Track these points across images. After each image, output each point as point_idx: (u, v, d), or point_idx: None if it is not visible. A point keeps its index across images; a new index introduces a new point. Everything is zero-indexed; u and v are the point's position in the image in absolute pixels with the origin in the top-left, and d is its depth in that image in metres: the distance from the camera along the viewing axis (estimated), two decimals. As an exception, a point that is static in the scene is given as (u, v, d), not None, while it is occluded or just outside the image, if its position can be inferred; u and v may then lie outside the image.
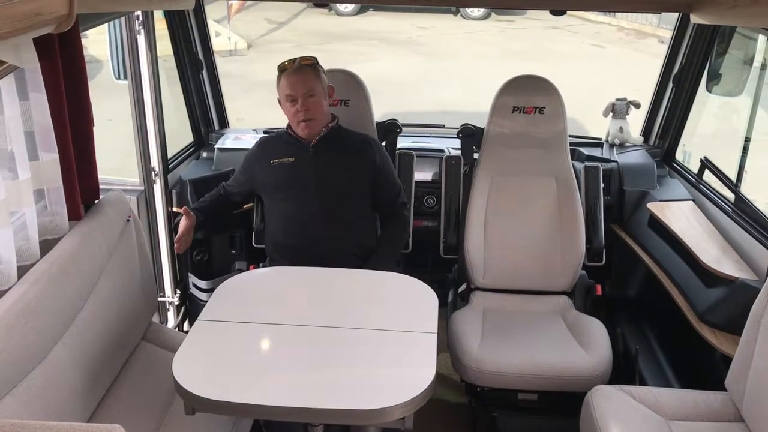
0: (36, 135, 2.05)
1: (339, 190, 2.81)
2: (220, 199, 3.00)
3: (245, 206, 3.15)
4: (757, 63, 3.27)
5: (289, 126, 2.89)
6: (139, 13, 2.77)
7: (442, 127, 3.87)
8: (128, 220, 2.45)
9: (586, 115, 5.50)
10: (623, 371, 2.90)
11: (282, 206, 2.84)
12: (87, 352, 2.08)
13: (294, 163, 2.82)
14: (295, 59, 2.79)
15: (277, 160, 2.84)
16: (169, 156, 3.26)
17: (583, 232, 3.03)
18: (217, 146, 3.53)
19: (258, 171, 2.90)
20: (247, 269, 3.19)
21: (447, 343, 2.75)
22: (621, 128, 3.66)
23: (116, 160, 3.58)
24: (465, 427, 3.00)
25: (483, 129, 3.18)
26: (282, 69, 2.79)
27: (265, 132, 3.54)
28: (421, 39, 12.11)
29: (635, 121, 3.74)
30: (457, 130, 3.33)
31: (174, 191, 3.22)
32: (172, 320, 3.30)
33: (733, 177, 3.00)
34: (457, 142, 3.35)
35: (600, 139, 3.76)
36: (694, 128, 3.67)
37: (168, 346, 2.49)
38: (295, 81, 2.74)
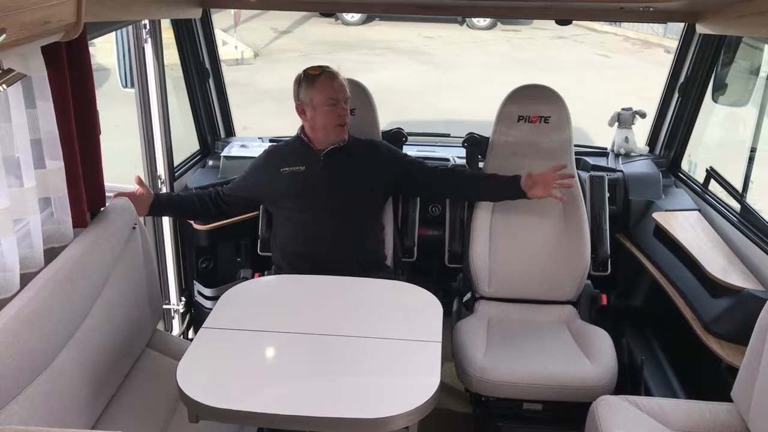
0: (42, 143, 2.05)
1: (350, 199, 2.81)
2: (194, 202, 2.91)
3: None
4: (763, 73, 3.26)
5: (302, 133, 2.89)
6: (146, 21, 2.79)
7: (447, 136, 3.88)
8: (134, 228, 2.46)
9: (591, 125, 5.50)
10: (628, 381, 2.89)
11: (292, 215, 2.83)
12: (92, 360, 2.09)
13: (305, 171, 2.82)
14: (321, 66, 2.81)
15: (287, 169, 2.84)
16: (176, 164, 3.27)
17: (588, 241, 3.03)
18: (223, 154, 3.54)
19: (265, 179, 2.89)
20: (252, 277, 3.19)
21: (451, 353, 2.75)
22: (626, 138, 3.66)
23: (122, 168, 3.59)
24: (469, 437, 2.99)
25: (488, 138, 3.18)
26: (313, 74, 2.79)
27: (271, 141, 3.56)
28: (427, 48, 12.14)
29: (641, 131, 3.74)
30: (463, 139, 3.34)
31: (180, 199, 3.23)
32: (177, 328, 3.31)
33: (739, 187, 3.00)
34: (463, 151, 3.36)
35: (605, 148, 3.77)
36: (700, 138, 3.66)
37: (172, 354, 2.49)
38: (339, 86, 2.79)
